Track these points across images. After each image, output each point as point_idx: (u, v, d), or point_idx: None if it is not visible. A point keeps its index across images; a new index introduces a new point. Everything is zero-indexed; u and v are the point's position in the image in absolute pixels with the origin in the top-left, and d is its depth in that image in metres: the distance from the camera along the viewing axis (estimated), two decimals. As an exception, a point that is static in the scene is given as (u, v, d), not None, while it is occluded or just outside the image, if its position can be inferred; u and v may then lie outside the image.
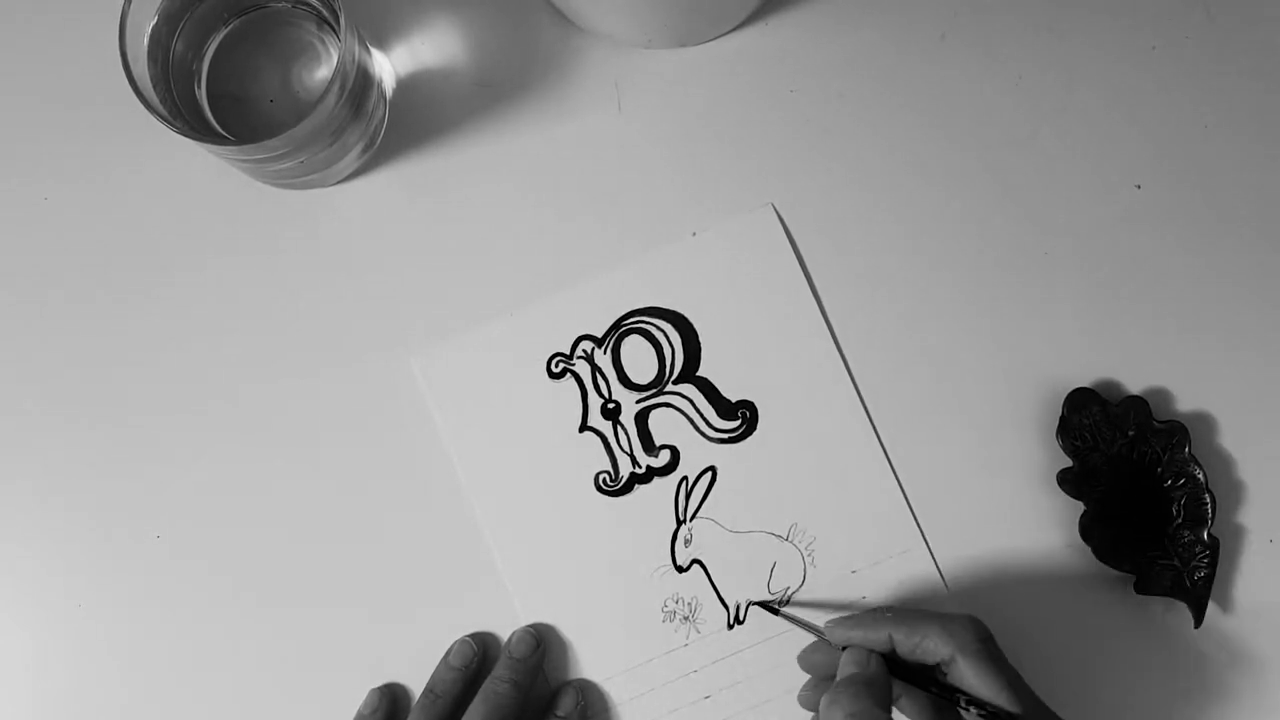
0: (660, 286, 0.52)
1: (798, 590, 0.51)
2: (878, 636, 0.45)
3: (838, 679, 0.44)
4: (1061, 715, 0.42)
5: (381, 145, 0.52)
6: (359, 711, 0.50)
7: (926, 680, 0.44)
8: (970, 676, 0.42)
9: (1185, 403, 0.52)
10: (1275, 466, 0.52)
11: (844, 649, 0.45)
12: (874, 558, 0.51)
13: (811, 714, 0.48)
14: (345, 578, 0.51)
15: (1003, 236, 0.53)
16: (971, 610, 0.46)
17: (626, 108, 0.53)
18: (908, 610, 0.46)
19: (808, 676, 0.49)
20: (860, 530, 0.51)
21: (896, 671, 0.44)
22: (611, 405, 0.52)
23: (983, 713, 0.42)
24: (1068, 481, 0.50)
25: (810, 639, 0.48)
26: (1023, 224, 0.53)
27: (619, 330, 0.52)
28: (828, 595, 0.51)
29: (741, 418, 0.52)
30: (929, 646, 0.43)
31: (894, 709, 0.46)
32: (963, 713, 0.43)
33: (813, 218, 0.53)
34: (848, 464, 0.51)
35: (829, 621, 0.47)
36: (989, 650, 0.43)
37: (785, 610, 0.50)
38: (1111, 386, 0.52)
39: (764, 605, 0.50)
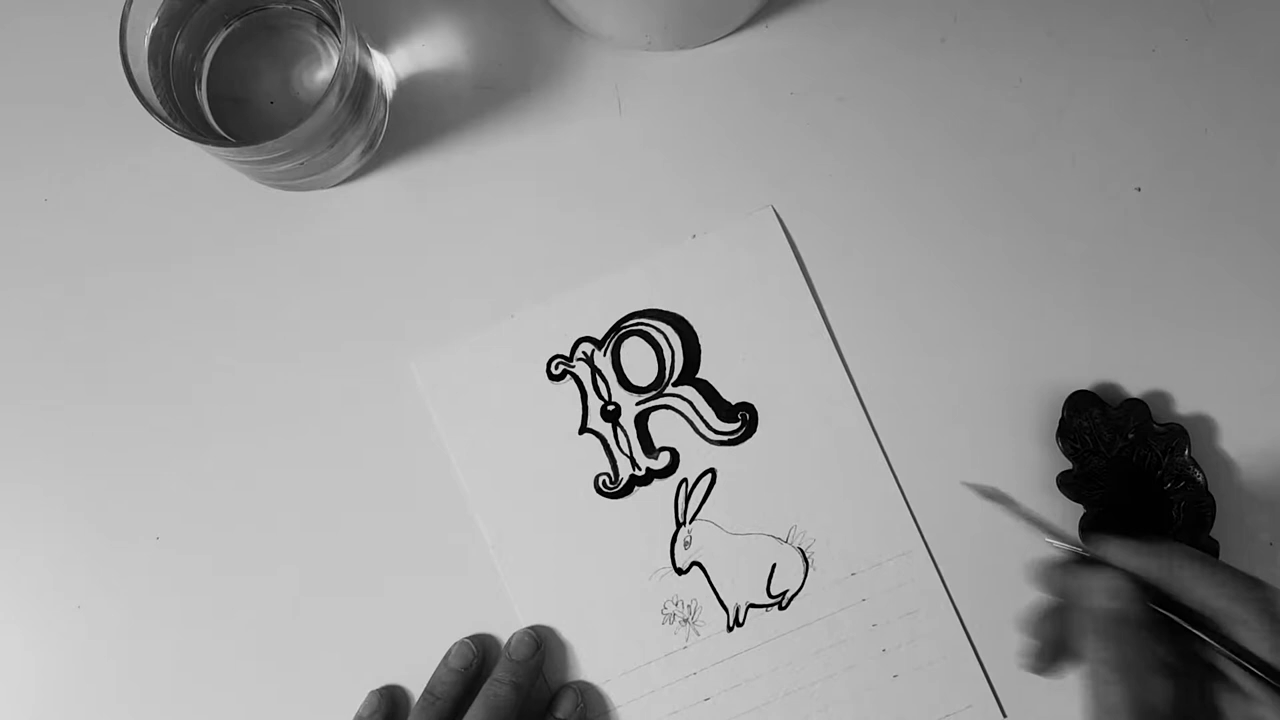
0: (660, 289, 0.52)
1: (797, 593, 0.51)
2: (1158, 565, 0.39)
3: (1095, 607, 0.38)
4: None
5: (382, 147, 0.52)
6: (358, 713, 0.50)
7: (1215, 635, 0.38)
8: (1258, 641, 0.37)
9: (1185, 405, 0.52)
10: (1275, 469, 0.52)
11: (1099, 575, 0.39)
12: (874, 560, 0.51)
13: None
14: (344, 579, 0.51)
15: (1003, 239, 0.53)
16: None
17: (627, 110, 0.53)
18: (1197, 552, 0.40)
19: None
20: (860, 532, 0.51)
21: (1167, 609, 0.39)
22: (611, 407, 0.52)
23: (1261, 675, 0.36)
24: (1067, 484, 0.50)
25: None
26: (1023, 226, 0.53)
27: (619, 332, 0.52)
28: (828, 596, 0.51)
29: (741, 420, 0.52)
30: (1217, 594, 0.38)
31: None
32: (1231, 670, 0.37)
33: (813, 220, 0.53)
34: (848, 466, 0.51)
35: (1097, 537, 0.40)
36: None
37: (1021, 506, 0.42)
38: (1111, 389, 0.52)
39: (980, 486, 0.43)
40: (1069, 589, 0.40)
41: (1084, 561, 0.40)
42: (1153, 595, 0.39)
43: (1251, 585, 0.38)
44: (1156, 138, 0.53)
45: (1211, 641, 0.38)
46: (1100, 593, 0.39)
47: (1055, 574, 0.41)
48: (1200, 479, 0.50)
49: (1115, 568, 0.39)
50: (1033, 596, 0.51)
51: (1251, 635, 0.37)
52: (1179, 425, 0.51)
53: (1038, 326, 0.52)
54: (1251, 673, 0.37)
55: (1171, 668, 0.38)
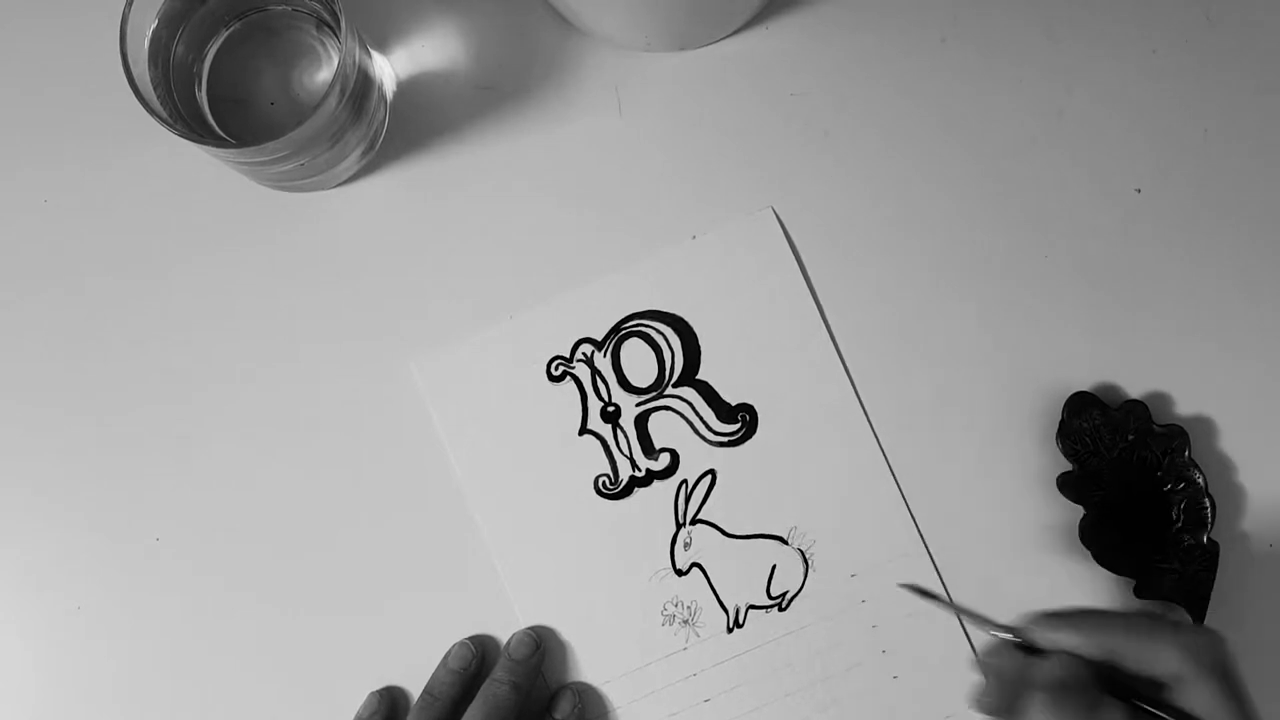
0: (660, 289, 0.52)
1: (797, 594, 0.51)
2: (1098, 642, 0.38)
3: (1040, 685, 0.37)
4: None
5: (382, 148, 0.52)
6: (358, 714, 0.50)
7: (1166, 708, 0.38)
8: (1204, 701, 0.37)
9: (1185, 406, 0.52)
10: (1275, 470, 0.52)
11: (1042, 653, 0.39)
12: (874, 561, 0.51)
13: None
14: (344, 580, 0.51)
15: (1002, 240, 0.53)
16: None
17: (626, 110, 0.53)
18: (1135, 616, 0.40)
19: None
20: (860, 534, 0.51)
21: (1110, 684, 0.38)
22: (611, 408, 0.52)
23: None
24: (1067, 485, 0.50)
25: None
26: (1022, 227, 0.53)
27: (619, 333, 0.52)
28: (828, 597, 0.51)
29: (741, 421, 0.52)
30: (1162, 662, 0.37)
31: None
32: None
33: (813, 221, 0.53)
34: (848, 467, 0.51)
35: (1032, 617, 0.40)
36: (1232, 674, 0.37)
37: (956, 603, 0.43)
38: (1111, 390, 0.52)
39: (910, 585, 0.44)
40: (1016, 673, 0.39)
41: (1026, 647, 0.40)
42: (1102, 668, 0.38)
43: (1196, 644, 0.37)
44: (1156, 139, 0.53)
45: (1158, 713, 0.37)
46: (1047, 672, 0.38)
47: (1001, 657, 0.40)
48: (1200, 480, 0.50)
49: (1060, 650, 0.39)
50: (1032, 599, 0.51)
51: (1196, 698, 0.37)
52: (1179, 426, 0.50)
53: (1038, 327, 0.52)
54: None
55: None
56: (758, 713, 0.50)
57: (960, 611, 0.42)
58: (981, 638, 0.44)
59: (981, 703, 0.40)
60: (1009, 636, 0.40)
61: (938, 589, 0.50)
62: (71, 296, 0.52)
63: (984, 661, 0.40)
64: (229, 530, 0.51)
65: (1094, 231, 0.53)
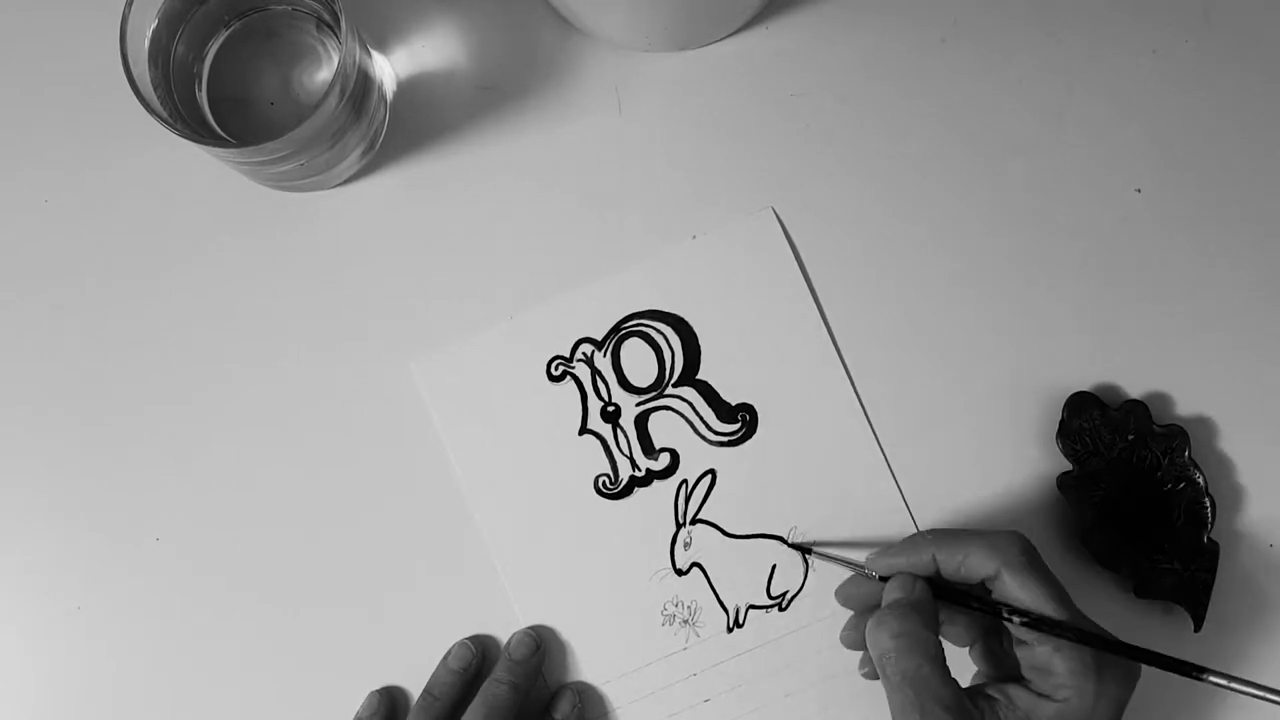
0: (660, 289, 0.52)
1: (797, 593, 0.51)
2: (920, 560, 0.44)
3: (883, 605, 0.44)
4: None
5: (382, 148, 0.52)
6: (358, 713, 0.50)
7: (970, 599, 0.44)
8: (1015, 589, 0.42)
9: (1185, 407, 0.52)
10: (1275, 470, 0.52)
11: (886, 579, 0.45)
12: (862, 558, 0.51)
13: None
14: (344, 580, 0.51)
15: (1002, 240, 0.53)
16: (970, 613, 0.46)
17: (627, 110, 0.53)
18: (948, 530, 0.46)
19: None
20: (860, 534, 0.51)
21: (941, 595, 0.44)
22: (611, 408, 0.52)
23: (1027, 622, 0.42)
24: (1068, 485, 0.50)
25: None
26: (1022, 227, 0.53)
27: (619, 333, 0.52)
28: (828, 597, 0.51)
29: (741, 421, 0.52)
30: (972, 564, 0.43)
31: (944, 640, 0.46)
32: (1010, 626, 0.43)
33: (813, 221, 0.53)
34: (848, 467, 0.51)
35: (870, 554, 0.46)
36: (1033, 561, 0.43)
37: (819, 549, 0.50)
38: (1111, 390, 0.52)
39: (794, 543, 0.50)
40: (863, 598, 0.47)
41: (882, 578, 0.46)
42: (935, 586, 0.45)
43: (999, 544, 0.43)
44: (1156, 138, 0.53)
45: (980, 607, 0.43)
46: (889, 591, 0.45)
47: (852, 589, 0.48)
48: (1200, 480, 0.50)
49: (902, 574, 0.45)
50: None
51: (1010, 589, 0.42)
52: (1179, 426, 0.51)
53: (1038, 327, 0.52)
54: (1019, 621, 0.42)
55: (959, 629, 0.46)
56: (758, 713, 0.50)
57: (838, 561, 0.49)
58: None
59: (845, 636, 0.47)
60: (862, 572, 0.47)
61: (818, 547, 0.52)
62: (71, 296, 0.52)
63: (840, 592, 0.48)
64: (229, 530, 0.51)
65: (1094, 231, 0.53)
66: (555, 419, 0.52)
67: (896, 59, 0.53)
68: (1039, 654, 0.42)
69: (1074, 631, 0.41)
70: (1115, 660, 0.42)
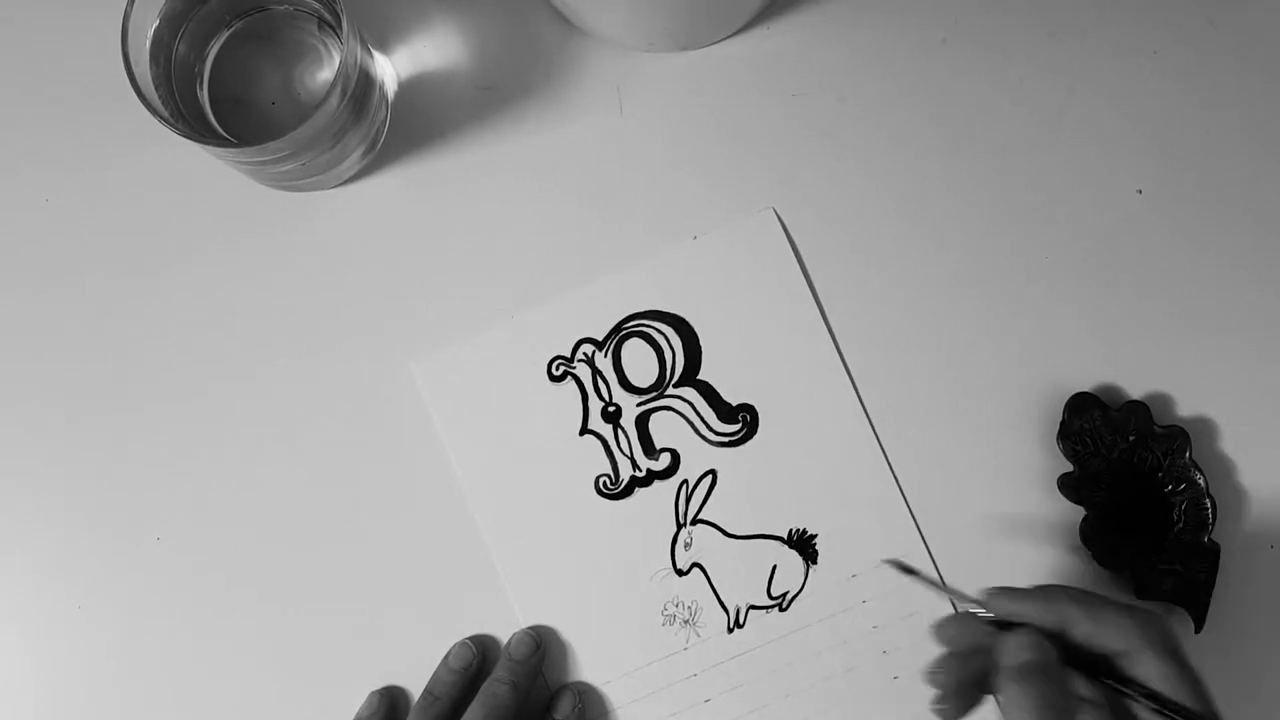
0: (661, 290, 0.52)
1: (797, 594, 0.51)
2: (1052, 617, 0.40)
3: (1008, 663, 0.40)
4: None
5: (383, 148, 0.52)
6: (358, 713, 0.50)
7: (1101, 670, 0.40)
8: (1155, 673, 0.39)
9: (1186, 408, 0.52)
10: (1276, 472, 0.52)
11: (1005, 626, 0.41)
12: (874, 561, 0.51)
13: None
14: (345, 580, 0.51)
15: (1003, 240, 0.53)
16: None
17: (628, 111, 0.53)
18: (1086, 591, 0.41)
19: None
20: (861, 534, 0.51)
21: (1068, 657, 0.40)
22: (612, 408, 0.52)
23: (1165, 711, 0.38)
24: (1068, 486, 0.50)
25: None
26: (1023, 228, 0.53)
27: (619, 333, 0.52)
28: (828, 598, 0.51)
29: (742, 421, 0.52)
30: (1109, 634, 0.40)
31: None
32: (1137, 708, 0.39)
33: (814, 221, 0.53)
34: (848, 468, 0.51)
35: (988, 591, 0.42)
36: (1179, 650, 0.40)
37: (924, 574, 0.45)
38: (1112, 391, 0.52)
39: (893, 561, 0.45)
40: (980, 644, 0.41)
41: (994, 621, 0.42)
42: (1059, 645, 0.40)
43: (1144, 621, 0.40)
44: (1157, 139, 0.53)
45: (1114, 684, 0.40)
46: (1016, 647, 0.40)
47: (956, 629, 0.42)
48: (1201, 481, 0.50)
49: (1025, 624, 0.41)
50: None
51: (1148, 671, 0.39)
52: (1180, 427, 0.50)
53: (1038, 328, 0.52)
54: (1154, 707, 0.39)
55: (1090, 704, 0.40)
56: (758, 713, 0.50)
57: (943, 589, 0.45)
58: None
59: (935, 679, 0.41)
60: (975, 609, 0.42)
61: (924, 566, 0.50)
62: (72, 295, 0.52)
63: (941, 630, 0.42)
64: (229, 530, 0.51)
65: (1095, 232, 0.53)
66: (556, 419, 0.52)
67: (897, 59, 0.53)
68: None
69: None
70: None
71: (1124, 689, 0.40)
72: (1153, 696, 0.39)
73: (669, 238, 0.53)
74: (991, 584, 0.50)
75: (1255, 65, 0.54)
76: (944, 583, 0.45)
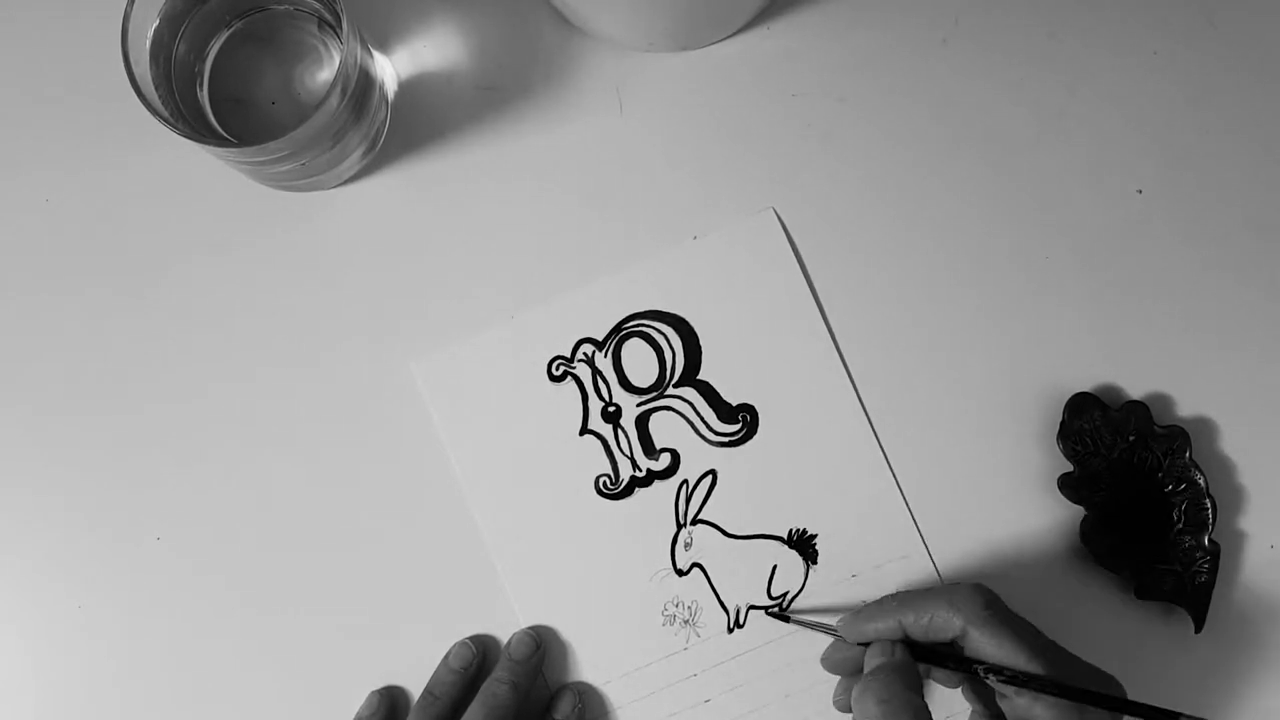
0: (661, 290, 0.52)
1: (797, 594, 0.51)
2: (890, 625, 0.45)
3: (865, 671, 0.44)
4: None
5: (383, 148, 0.52)
6: (358, 713, 0.50)
7: (947, 658, 0.44)
8: (986, 645, 0.42)
9: (1186, 408, 0.52)
10: (1276, 472, 0.52)
11: (867, 644, 0.45)
12: (874, 561, 0.51)
13: (849, 715, 0.48)
14: (345, 580, 0.51)
15: (1003, 240, 0.53)
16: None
17: (628, 111, 0.53)
18: (912, 592, 0.46)
19: (811, 677, 0.49)
20: (861, 534, 0.51)
21: (919, 654, 0.44)
22: (612, 408, 0.52)
23: (1003, 678, 0.42)
24: (1068, 486, 0.50)
25: (828, 640, 0.48)
26: (1023, 228, 0.53)
27: (619, 333, 0.52)
28: (828, 599, 0.51)
29: (742, 421, 0.52)
30: (938, 624, 0.43)
31: (934, 683, 0.47)
32: (989, 682, 0.42)
33: (814, 221, 0.53)
34: (848, 468, 0.51)
35: (841, 619, 0.47)
36: (996, 615, 0.43)
37: (795, 616, 0.50)
38: (1112, 391, 0.52)
39: (772, 612, 0.50)
40: (848, 662, 0.47)
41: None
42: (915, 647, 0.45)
43: (957, 600, 0.43)
44: (1157, 139, 0.53)
45: (956, 666, 0.43)
46: (869, 659, 0.45)
47: (835, 654, 0.48)
48: (1201, 481, 0.50)
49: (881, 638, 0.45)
50: (1033, 600, 0.51)
51: (980, 645, 0.42)
52: (1180, 427, 0.50)
53: (1039, 328, 0.52)
54: (1001, 679, 0.42)
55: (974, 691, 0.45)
56: (757, 713, 0.50)
57: (815, 626, 0.49)
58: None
59: (837, 700, 0.49)
60: (834, 637, 0.47)
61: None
62: (71, 295, 0.52)
63: (825, 660, 0.48)
64: (229, 529, 0.51)
65: (1095, 232, 0.53)
66: (556, 419, 0.52)
67: (897, 59, 0.53)
68: (1019, 705, 0.42)
69: (1042, 683, 0.41)
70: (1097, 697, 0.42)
71: (963, 668, 0.43)
72: (993, 670, 0.42)
73: (669, 238, 0.53)
74: (991, 584, 0.50)
75: (1255, 65, 0.54)
76: (814, 621, 0.49)
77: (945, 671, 0.45)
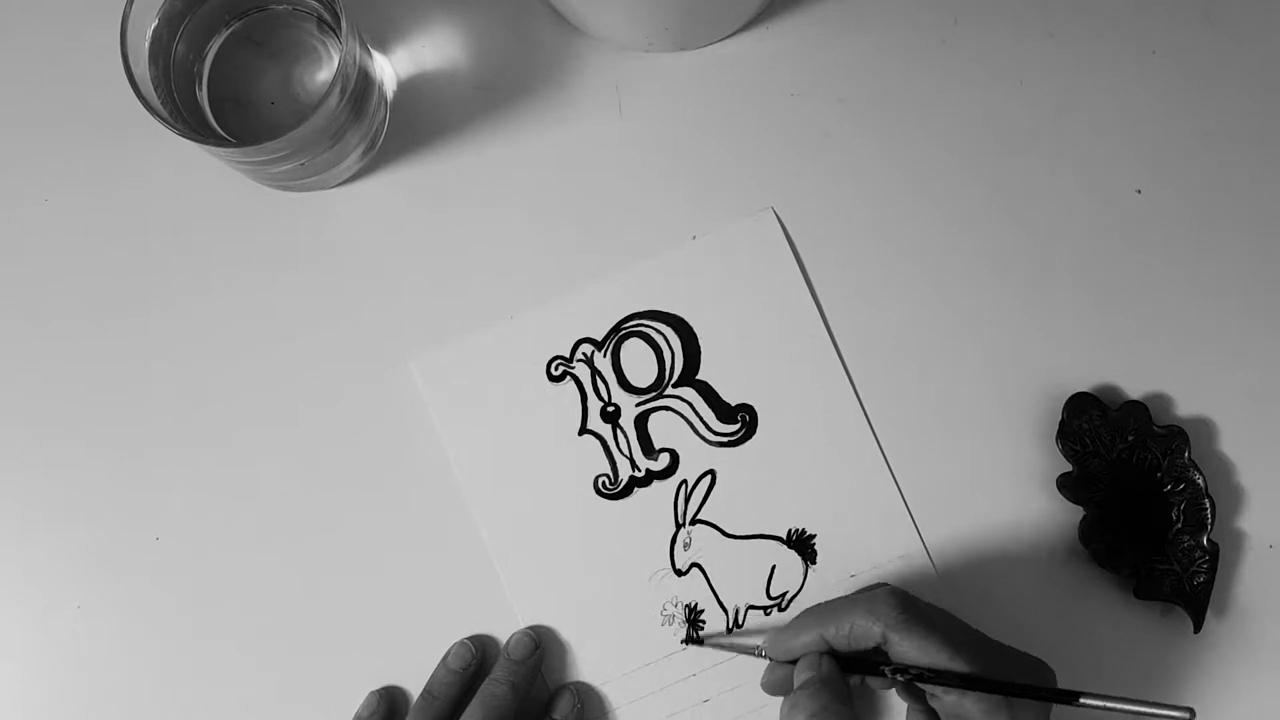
0: (660, 290, 0.52)
1: (797, 594, 0.51)
2: (813, 638, 0.44)
3: (794, 687, 0.44)
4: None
5: (382, 148, 0.53)
6: (357, 713, 0.50)
7: (873, 665, 0.44)
8: (907, 648, 0.42)
9: (1185, 408, 0.52)
10: (1275, 472, 0.52)
11: (796, 660, 0.45)
12: (873, 561, 0.51)
13: None
14: (343, 580, 0.51)
15: (1002, 241, 0.53)
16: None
17: (627, 111, 0.53)
18: (831, 603, 0.46)
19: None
20: (859, 534, 0.51)
21: (847, 664, 0.44)
22: (611, 408, 0.52)
23: (923, 679, 0.42)
24: (1067, 486, 0.50)
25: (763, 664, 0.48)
26: (1023, 228, 0.53)
27: (619, 333, 0.52)
28: (831, 597, 0.50)
29: (741, 421, 0.52)
30: (860, 633, 0.43)
31: (871, 686, 0.47)
32: (917, 685, 0.42)
33: (813, 222, 0.53)
34: (847, 468, 0.51)
35: (765, 638, 0.47)
36: (913, 617, 0.42)
37: (713, 640, 0.50)
38: (1111, 391, 0.52)
39: (689, 640, 0.50)
40: (784, 682, 0.47)
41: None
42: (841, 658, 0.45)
43: (872, 607, 0.43)
44: (1156, 140, 0.53)
45: (884, 672, 0.43)
46: (797, 674, 0.45)
47: (771, 676, 0.48)
48: (1200, 481, 0.50)
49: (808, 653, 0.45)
50: (1032, 600, 0.51)
51: (902, 649, 0.42)
52: (1179, 427, 0.50)
53: (1038, 328, 0.52)
54: (927, 682, 0.42)
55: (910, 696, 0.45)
56: (757, 713, 0.50)
57: (735, 649, 0.49)
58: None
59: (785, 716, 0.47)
60: (763, 657, 0.47)
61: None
62: (70, 296, 0.52)
63: (764, 683, 0.48)
64: (228, 530, 0.51)
65: (1094, 232, 0.53)
66: (555, 419, 0.52)
67: (897, 60, 0.53)
68: (948, 703, 0.42)
69: (959, 679, 0.41)
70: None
71: (891, 675, 0.43)
72: (912, 674, 0.42)
73: (668, 238, 0.53)
74: (990, 584, 0.50)
75: (1254, 65, 0.54)
76: (735, 644, 0.50)
77: (876, 677, 0.45)
